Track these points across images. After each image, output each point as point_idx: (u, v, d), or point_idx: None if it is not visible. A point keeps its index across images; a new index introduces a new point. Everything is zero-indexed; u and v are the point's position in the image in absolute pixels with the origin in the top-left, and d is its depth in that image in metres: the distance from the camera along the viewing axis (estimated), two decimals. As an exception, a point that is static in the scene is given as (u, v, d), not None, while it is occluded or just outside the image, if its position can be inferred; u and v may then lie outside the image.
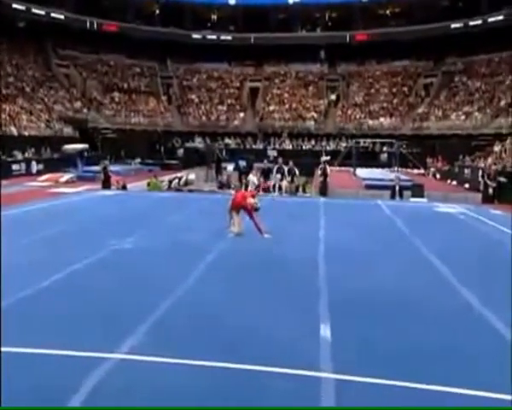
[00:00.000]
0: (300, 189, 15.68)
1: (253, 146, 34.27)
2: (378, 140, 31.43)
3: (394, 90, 39.07)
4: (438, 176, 26.59)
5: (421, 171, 27.60)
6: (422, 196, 15.64)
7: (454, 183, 23.21)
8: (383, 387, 3.14)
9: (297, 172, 15.96)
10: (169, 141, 34.43)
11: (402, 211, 10.93)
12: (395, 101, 38.11)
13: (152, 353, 3.46)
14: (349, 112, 38.04)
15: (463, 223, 9.50)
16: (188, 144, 34.42)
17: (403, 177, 18.28)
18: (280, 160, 15.79)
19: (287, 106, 39.01)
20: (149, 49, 39.75)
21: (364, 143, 30.95)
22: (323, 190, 16.04)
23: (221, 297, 4.70)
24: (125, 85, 39.33)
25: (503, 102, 31.81)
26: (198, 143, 34.39)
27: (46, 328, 3.94)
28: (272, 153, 31.96)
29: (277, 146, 33.96)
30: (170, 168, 26.79)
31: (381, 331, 3.98)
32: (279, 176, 15.10)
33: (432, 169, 28.55)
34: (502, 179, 16.79)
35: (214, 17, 42.92)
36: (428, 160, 30.56)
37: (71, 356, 3.43)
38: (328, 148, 33.80)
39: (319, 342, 3.76)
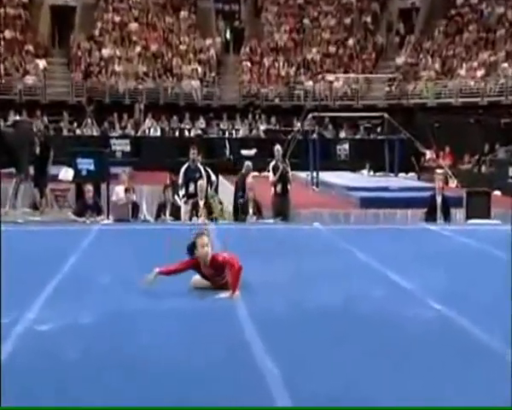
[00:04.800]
0: (250, 211, 16.84)
1: (78, 131, 33.39)
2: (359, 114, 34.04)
3: (347, 20, 40.54)
4: (454, 183, 29.05)
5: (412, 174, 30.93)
6: (489, 216, 17.29)
7: (496, 192, 25.24)
8: None
9: (213, 178, 18.42)
10: None
11: (489, 239, 12.72)
12: (350, 42, 39.31)
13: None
14: (265, 63, 38.73)
15: None
16: None
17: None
18: (194, 152, 18.00)
19: (138, 48, 38.15)
20: None
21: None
22: (283, 209, 17.61)
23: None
24: None
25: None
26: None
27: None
28: (121, 145, 31.83)
29: (130, 131, 33.76)
30: None
31: None
32: (203, 182, 16.86)
33: (438, 171, 29.61)
34: None
35: None
36: (427, 153, 32.71)
37: None
38: (234, 134, 34.94)
39: None
